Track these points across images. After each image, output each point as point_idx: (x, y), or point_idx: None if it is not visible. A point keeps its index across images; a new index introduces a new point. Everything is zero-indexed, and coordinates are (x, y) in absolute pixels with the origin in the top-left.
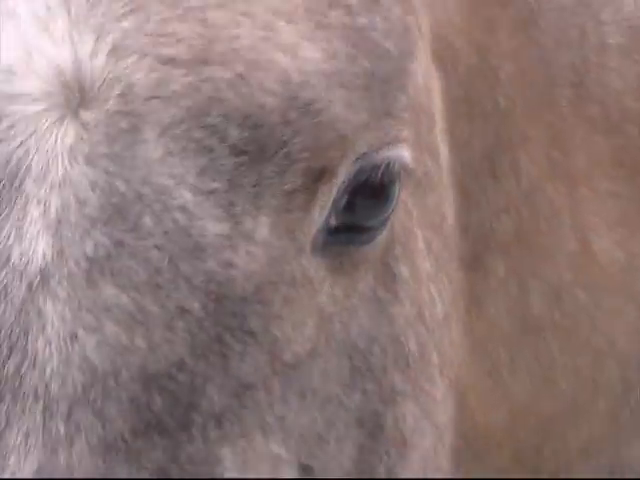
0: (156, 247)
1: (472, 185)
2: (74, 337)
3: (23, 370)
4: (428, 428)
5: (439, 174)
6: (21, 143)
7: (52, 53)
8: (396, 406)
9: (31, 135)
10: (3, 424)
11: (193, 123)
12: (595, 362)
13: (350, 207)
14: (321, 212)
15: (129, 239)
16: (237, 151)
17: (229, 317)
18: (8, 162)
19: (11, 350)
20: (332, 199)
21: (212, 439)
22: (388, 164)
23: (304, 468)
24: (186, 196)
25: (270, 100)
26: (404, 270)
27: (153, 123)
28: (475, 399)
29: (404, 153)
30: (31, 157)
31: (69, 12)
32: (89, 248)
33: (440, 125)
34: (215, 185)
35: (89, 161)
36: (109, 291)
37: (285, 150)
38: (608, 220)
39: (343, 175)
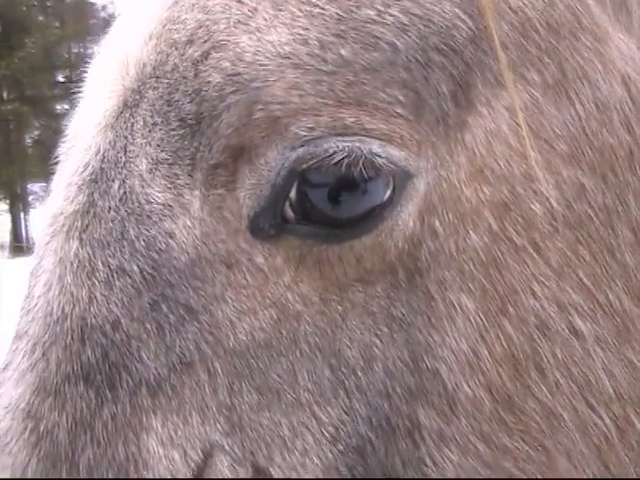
0: (113, 209)
1: None
2: (50, 287)
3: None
4: None
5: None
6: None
7: (127, 50)
8: (417, 444)
9: (86, 108)
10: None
11: (166, 99)
12: None
13: (312, 198)
14: (251, 194)
15: (99, 200)
16: (184, 124)
17: (166, 287)
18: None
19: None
20: (270, 183)
21: (142, 406)
22: (349, 155)
23: (259, 470)
24: (143, 165)
25: (216, 77)
26: (465, 301)
27: (147, 99)
28: None
29: (375, 148)
30: (81, 126)
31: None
32: (75, 206)
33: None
34: (164, 156)
35: (101, 130)
36: (74, 245)
37: (215, 124)
38: None
39: (274, 159)
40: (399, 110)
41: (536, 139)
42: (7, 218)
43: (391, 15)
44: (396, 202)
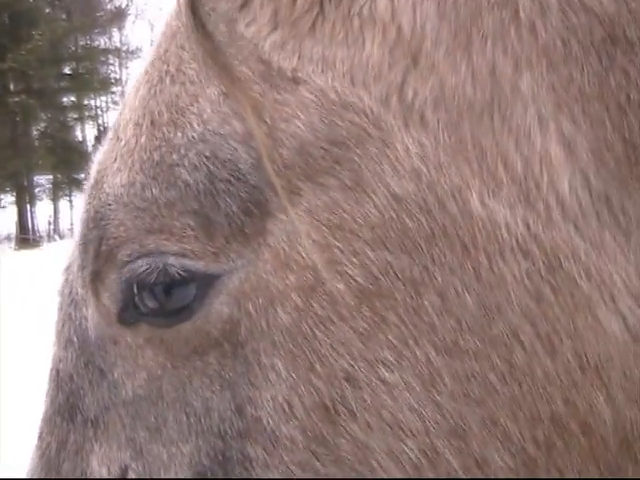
0: (67, 296)
1: None
2: (53, 345)
3: None
4: None
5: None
6: None
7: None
8: (248, 470)
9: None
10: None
11: (83, 225)
12: None
13: (143, 298)
14: (111, 301)
15: (65, 289)
16: (86, 247)
17: (89, 354)
18: None
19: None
20: (120, 290)
21: (88, 435)
22: (148, 268)
23: None
24: (75, 267)
25: (92, 212)
26: (278, 364)
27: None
28: None
29: (170, 261)
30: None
31: None
32: (59, 290)
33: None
34: (82, 263)
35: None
36: (60, 319)
37: (88, 250)
38: None
39: (115, 274)
40: (190, 233)
41: (340, 231)
42: (13, 210)
43: (188, 158)
44: (204, 297)
